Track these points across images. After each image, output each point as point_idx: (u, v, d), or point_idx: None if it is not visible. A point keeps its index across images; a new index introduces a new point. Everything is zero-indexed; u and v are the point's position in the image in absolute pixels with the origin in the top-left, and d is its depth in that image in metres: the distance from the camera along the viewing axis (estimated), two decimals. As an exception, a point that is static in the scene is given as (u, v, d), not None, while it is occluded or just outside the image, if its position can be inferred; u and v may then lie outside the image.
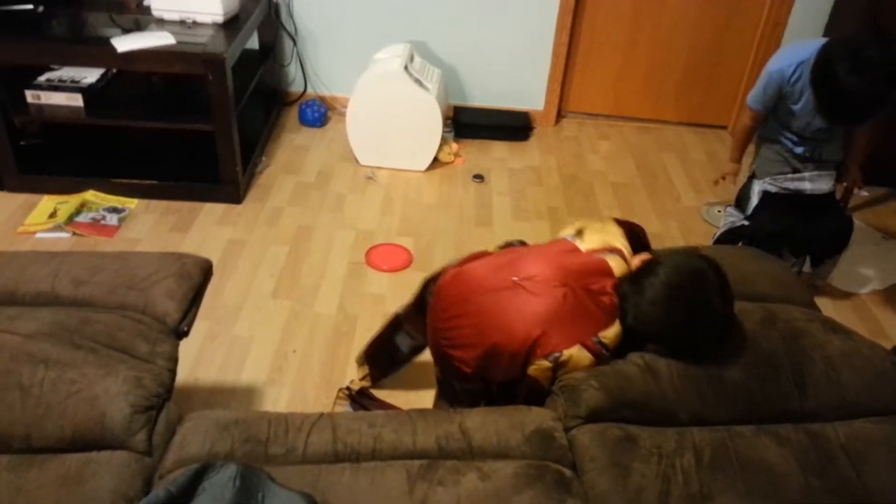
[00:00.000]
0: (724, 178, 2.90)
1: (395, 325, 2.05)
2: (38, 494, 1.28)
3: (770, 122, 2.62)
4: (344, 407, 2.17)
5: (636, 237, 1.74)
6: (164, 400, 1.48)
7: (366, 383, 2.21)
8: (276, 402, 2.22)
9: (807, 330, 1.67)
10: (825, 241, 2.67)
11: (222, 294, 2.62)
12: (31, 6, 3.01)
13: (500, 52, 3.82)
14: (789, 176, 2.61)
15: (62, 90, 2.98)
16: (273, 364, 2.35)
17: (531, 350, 1.52)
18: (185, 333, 1.71)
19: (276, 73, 3.86)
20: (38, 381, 1.38)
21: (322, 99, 3.91)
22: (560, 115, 4.09)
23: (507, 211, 3.26)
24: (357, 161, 3.50)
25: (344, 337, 2.47)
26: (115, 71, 3.23)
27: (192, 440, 1.39)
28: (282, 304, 2.60)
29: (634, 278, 1.56)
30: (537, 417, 1.51)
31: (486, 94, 3.96)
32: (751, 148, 2.81)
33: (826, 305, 2.78)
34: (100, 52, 2.80)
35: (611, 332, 1.54)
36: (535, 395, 1.59)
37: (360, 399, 2.18)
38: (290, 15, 3.72)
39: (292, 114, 3.90)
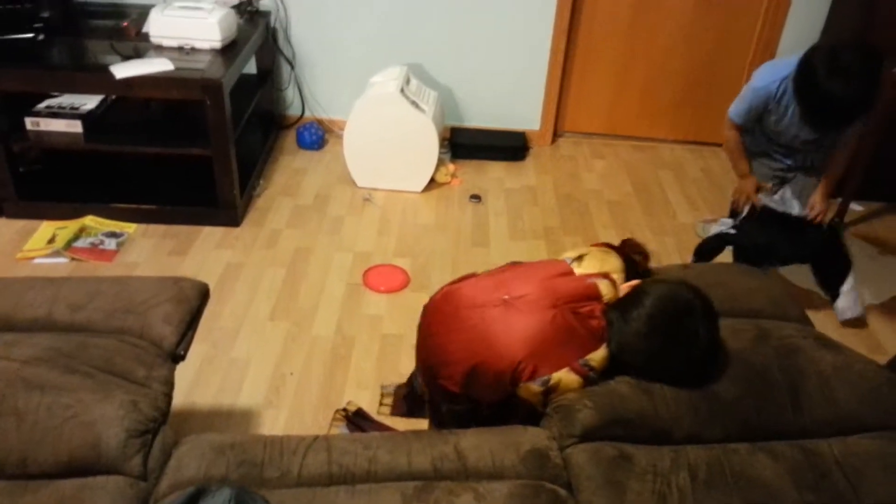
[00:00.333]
0: (751, 197, 2.70)
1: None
2: (34, 520, 1.29)
3: (758, 136, 2.65)
4: (340, 428, 2.17)
5: (633, 265, 1.75)
6: (159, 424, 1.48)
7: (361, 405, 2.22)
8: (274, 424, 2.22)
9: (800, 346, 1.68)
10: (808, 257, 2.68)
11: (220, 317, 2.63)
12: (31, 35, 3.05)
13: (496, 73, 3.86)
14: (775, 198, 2.65)
15: (61, 117, 3.01)
16: (271, 386, 2.35)
17: (517, 371, 1.53)
18: (182, 357, 1.71)
19: (273, 97, 3.90)
20: (34, 406, 1.39)
21: (319, 122, 3.94)
22: (556, 135, 4.12)
23: (504, 231, 3.27)
24: (354, 183, 3.52)
25: (341, 359, 2.48)
26: (113, 97, 3.26)
27: (188, 464, 1.40)
28: (279, 326, 2.61)
29: (621, 306, 1.57)
30: (532, 437, 1.51)
31: (482, 115, 3.99)
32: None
33: (823, 320, 2.78)
34: (99, 78, 2.83)
35: (598, 355, 1.56)
36: (531, 416, 1.60)
37: (356, 420, 2.18)
38: (288, 40, 3.76)
39: (290, 137, 3.93)
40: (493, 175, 3.74)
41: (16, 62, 2.87)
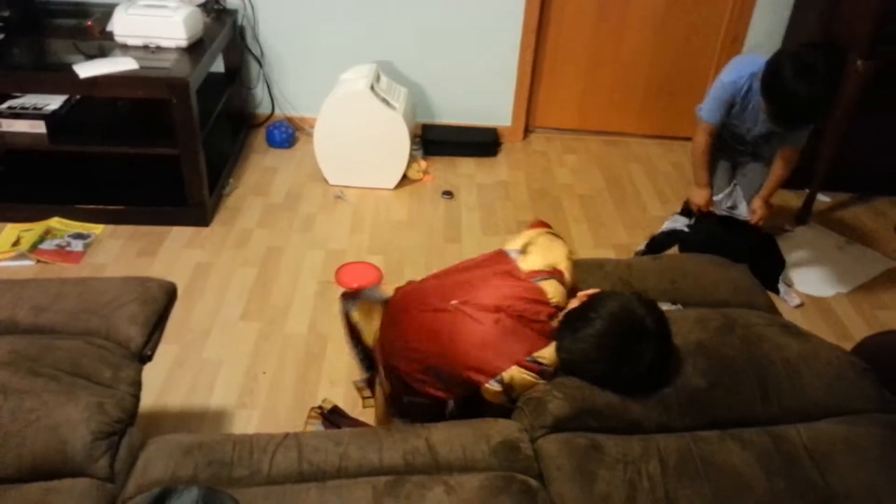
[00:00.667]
0: (702, 209, 2.78)
1: None
2: (-3, 526, 1.26)
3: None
4: (316, 426, 2.16)
5: None
6: (126, 425, 1.46)
7: (336, 402, 2.20)
8: (247, 424, 2.20)
9: (766, 335, 1.70)
10: (746, 258, 2.75)
11: (190, 318, 2.60)
12: (-9, 34, 2.99)
13: (467, 69, 3.85)
14: (725, 195, 2.76)
15: (24, 117, 2.95)
16: (243, 387, 2.33)
17: (468, 371, 1.56)
18: (149, 358, 1.69)
19: (242, 96, 3.86)
20: (-4, 410, 1.36)
21: (290, 120, 3.91)
22: (528, 131, 4.13)
23: (477, 226, 3.28)
24: (326, 181, 3.50)
25: (315, 357, 2.46)
26: (78, 97, 3.21)
27: (155, 465, 1.38)
28: (251, 325, 2.59)
29: (572, 321, 1.56)
30: (503, 429, 1.51)
31: (453, 112, 3.98)
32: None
33: (792, 310, 2.82)
34: (62, 78, 2.78)
35: (546, 352, 1.56)
36: (502, 408, 1.60)
37: (332, 417, 2.16)
38: (256, 38, 3.73)
39: (260, 136, 3.89)
40: (466, 171, 3.74)
41: (-24, 62, 2.82)
